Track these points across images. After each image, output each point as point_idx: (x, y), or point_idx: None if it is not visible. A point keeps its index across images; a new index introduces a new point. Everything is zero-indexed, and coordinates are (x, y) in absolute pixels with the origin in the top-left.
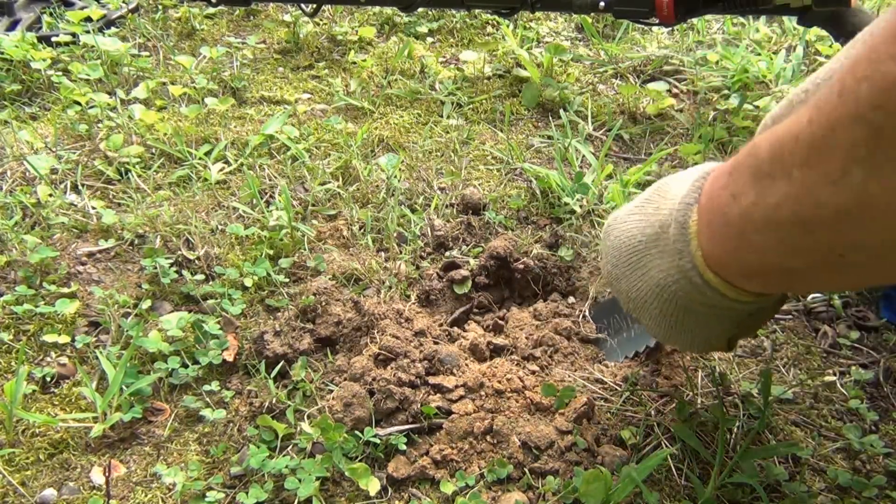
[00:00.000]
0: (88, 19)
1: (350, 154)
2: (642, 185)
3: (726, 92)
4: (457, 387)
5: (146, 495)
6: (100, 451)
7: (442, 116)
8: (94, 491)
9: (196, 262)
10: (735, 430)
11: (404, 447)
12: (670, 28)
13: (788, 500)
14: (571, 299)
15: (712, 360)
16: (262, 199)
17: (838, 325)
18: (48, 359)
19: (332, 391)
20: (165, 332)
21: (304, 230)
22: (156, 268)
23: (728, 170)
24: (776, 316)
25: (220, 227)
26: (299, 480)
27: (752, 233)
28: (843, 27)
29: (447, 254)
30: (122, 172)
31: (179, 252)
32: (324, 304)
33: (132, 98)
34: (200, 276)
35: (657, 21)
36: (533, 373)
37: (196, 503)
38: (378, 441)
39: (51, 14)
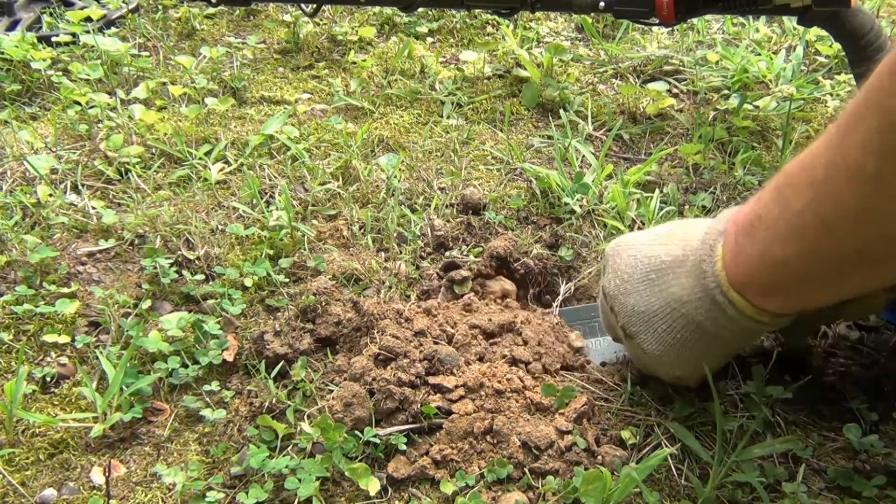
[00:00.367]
0: (88, 19)
1: (350, 154)
2: (642, 185)
3: (726, 92)
4: (457, 387)
5: (146, 495)
6: (100, 451)
7: (442, 116)
8: (94, 491)
9: (196, 262)
10: (735, 429)
11: (404, 447)
12: (670, 28)
13: (788, 499)
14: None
15: None
16: (262, 199)
17: (838, 325)
18: (48, 359)
19: (332, 391)
20: (165, 332)
21: (304, 230)
22: (156, 268)
23: (752, 200)
24: None
25: (220, 227)
26: (299, 480)
27: (776, 244)
28: (843, 27)
29: (447, 254)
30: (122, 172)
31: (179, 252)
32: (324, 304)
33: (132, 98)
34: (200, 276)
35: (657, 21)
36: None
37: (196, 503)
38: (378, 441)
39: (51, 14)
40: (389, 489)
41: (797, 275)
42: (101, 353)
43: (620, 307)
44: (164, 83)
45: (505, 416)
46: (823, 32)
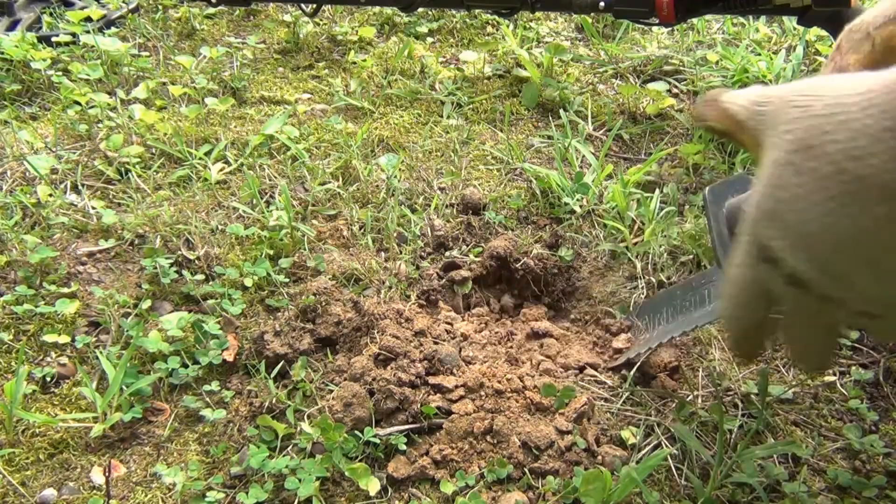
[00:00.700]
0: (88, 19)
1: (350, 154)
2: (642, 185)
3: None
4: (457, 387)
5: (146, 495)
6: (100, 451)
7: (442, 116)
8: (94, 491)
9: (196, 262)
10: (735, 430)
11: (404, 447)
12: (670, 28)
13: (788, 500)
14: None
15: (712, 360)
16: (262, 199)
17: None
18: (48, 359)
19: (332, 391)
20: (165, 332)
21: (304, 230)
22: (156, 268)
23: None
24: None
25: (220, 227)
26: (299, 480)
27: None
28: (842, 27)
29: (447, 254)
30: (122, 172)
31: (179, 252)
32: (324, 304)
33: (132, 98)
34: (200, 276)
35: (657, 21)
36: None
37: (196, 503)
38: (378, 441)
39: (51, 14)
40: (389, 489)
41: None
42: (101, 353)
43: (825, 230)
44: (164, 83)
45: (505, 416)
46: (823, 32)
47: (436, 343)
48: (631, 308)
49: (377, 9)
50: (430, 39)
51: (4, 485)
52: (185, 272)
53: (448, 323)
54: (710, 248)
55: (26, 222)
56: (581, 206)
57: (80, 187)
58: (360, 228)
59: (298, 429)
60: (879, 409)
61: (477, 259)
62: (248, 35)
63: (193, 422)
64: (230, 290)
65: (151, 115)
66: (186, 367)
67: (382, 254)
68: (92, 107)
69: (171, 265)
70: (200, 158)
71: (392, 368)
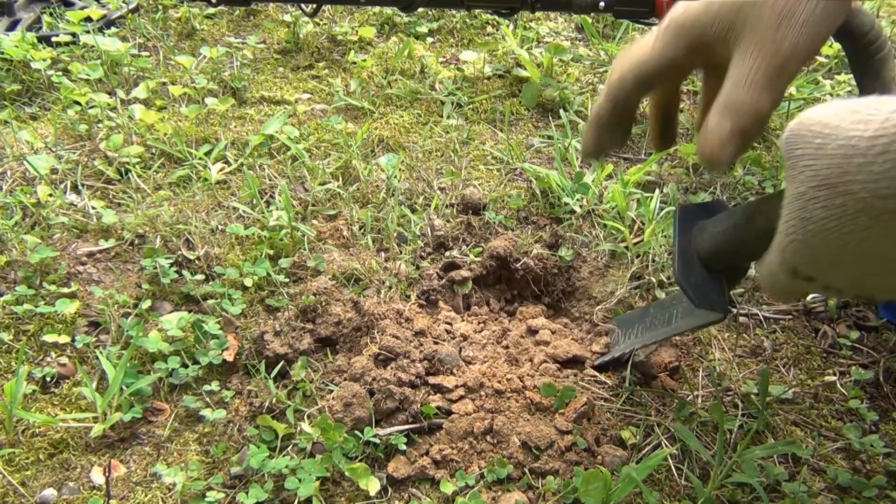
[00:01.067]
0: (88, 19)
1: (350, 154)
2: (642, 185)
3: None
4: (457, 387)
5: (146, 495)
6: (100, 451)
7: (442, 116)
8: (94, 491)
9: (196, 262)
10: (735, 429)
11: (404, 447)
12: None
13: (788, 500)
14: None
15: (712, 360)
16: (262, 199)
17: (838, 325)
18: (48, 359)
19: (332, 391)
20: (165, 332)
21: (304, 230)
22: (156, 268)
23: None
24: (775, 316)
25: (220, 227)
26: (299, 480)
27: None
28: (842, 27)
29: (447, 254)
30: (122, 172)
31: (179, 252)
32: (324, 304)
33: (132, 98)
34: (200, 276)
35: (657, 21)
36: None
37: (196, 503)
38: (378, 441)
39: (51, 14)
40: (389, 489)
41: None
42: (101, 353)
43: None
44: (164, 83)
45: (505, 416)
46: None
47: (436, 343)
48: (613, 317)
49: (377, 9)
50: (430, 39)
51: (4, 485)
52: (185, 272)
53: (448, 323)
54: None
55: (26, 222)
56: (581, 206)
57: (80, 187)
58: (360, 228)
59: (298, 429)
60: (879, 409)
61: (477, 259)
62: (248, 35)
63: (193, 422)
64: (230, 290)
65: (151, 115)
66: (186, 367)
67: (382, 254)
68: (92, 107)
69: (171, 265)
70: (200, 158)
71: (392, 368)
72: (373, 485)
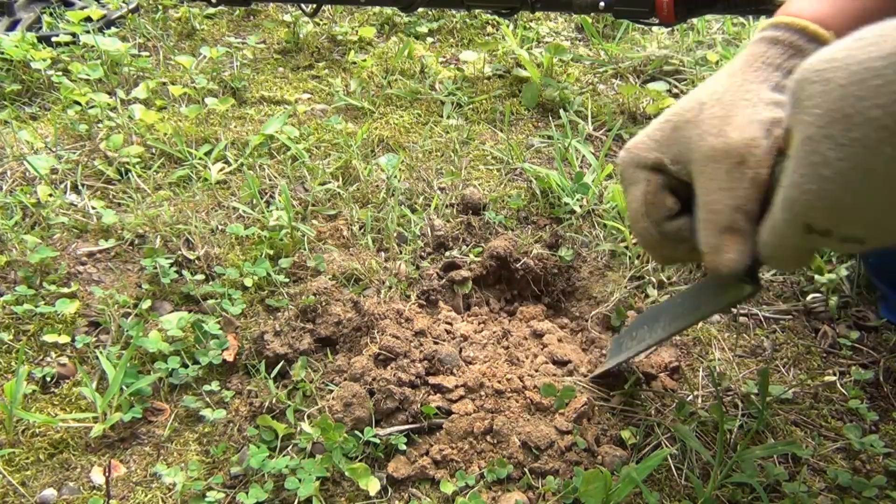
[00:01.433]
0: (88, 19)
1: (350, 154)
2: None
3: None
4: (457, 387)
5: (146, 495)
6: (100, 451)
7: (442, 116)
8: (94, 491)
9: (196, 262)
10: (735, 430)
11: (404, 447)
12: (670, 28)
13: (788, 500)
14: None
15: (712, 360)
16: (262, 199)
17: (838, 325)
18: (48, 359)
19: (332, 391)
20: (165, 332)
21: (304, 230)
22: (156, 268)
23: None
24: (775, 316)
25: (220, 227)
26: (299, 480)
27: None
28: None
29: (447, 254)
30: (122, 172)
31: (179, 252)
32: (324, 304)
33: (132, 98)
34: (200, 276)
35: (657, 21)
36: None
37: (196, 503)
38: (378, 441)
39: (51, 14)
40: (389, 489)
41: None
42: (101, 353)
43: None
44: (164, 83)
45: (505, 416)
46: None
47: (436, 343)
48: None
49: (377, 9)
50: (430, 39)
51: (4, 485)
52: (185, 272)
53: (448, 323)
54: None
55: (26, 222)
56: (581, 206)
57: (80, 187)
58: (360, 228)
59: (298, 429)
60: (879, 409)
61: (477, 259)
62: (248, 35)
63: (193, 422)
64: (230, 290)
65: (151, 115)
66: (186, 367)
67: (382, 254)
68: (92, 107)
69: (171, 265)
70: (200, 158)
71: (392, 368)
72: (373, 485)
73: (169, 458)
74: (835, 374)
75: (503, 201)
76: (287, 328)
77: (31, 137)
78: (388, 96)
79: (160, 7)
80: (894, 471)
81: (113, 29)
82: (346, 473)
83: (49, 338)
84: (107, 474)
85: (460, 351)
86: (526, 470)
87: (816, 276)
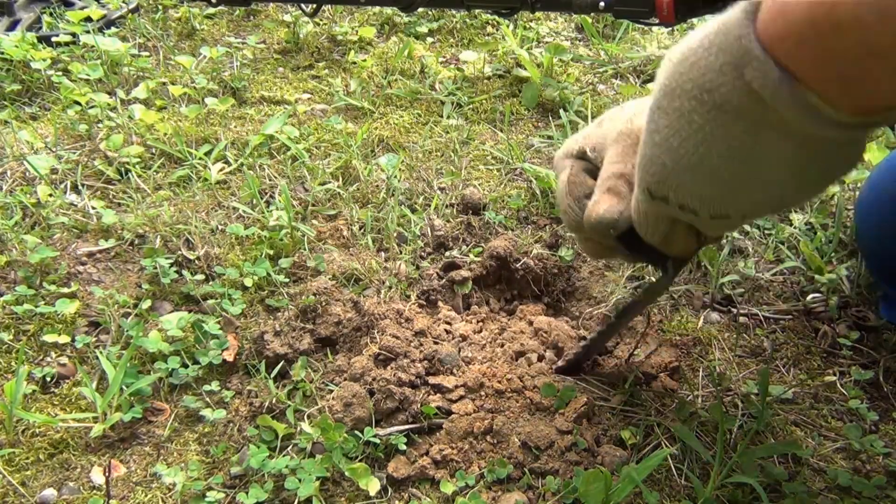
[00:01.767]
0: (88, 19)
1: (350, 154)
2: None
3: None
4: (457, 387)
5: (146, 495)
6: (100, 451)
7: (442, 116)
8: (94, 491)
9: (196, 262)
10: (735, 430)
11: (404, 447)
12: (670, 28)
13: (788, 500)
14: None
15: (712, 360)
16: (262, 199)
17: (838, 325)
18: (48, 359)
19: (332, 391)
20: (165, 332)
21: (304, 230)
22: (156, 268)
23: None
24: (775, 316)
25: (220, 227)
26: (299, 480)
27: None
28: None
29: (447, 254)
30: (122, 172)
31: (179, 252)
32: (324, 304)
33: (132, 98)
34: (200, 276)
35: (657, 21)
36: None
37: (196, 503)
38: (378, 441)
39: (51, 14)
40: (389, 489)
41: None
42: (101, 353)
43: (662, 150)
44: (164, 83)
45: (505, 416)
46: None
47: (436, 343)
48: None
49: (377, 9)
50: (430, 39)
51: (4, 485)
52: (185, 272)
53: (448, 323)
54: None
55: (26, 222)
56: None
57: (80, 187)
58: (360, 228)
59: (298, 429)
60: (879, 409)
61: (477, 259)
62: (248, 35)
63: (193, 422)
64: (230, 290)
65: (151, 115)
66: (186, 367)
67: (382, 254)
68: (92, 107)
69: (171, 265)
70: (200, 158)
71: (392, 368)
72: (373, 485)
73: (169, 458)
74: (835, 374)
75: (503, 201)
76: (287, 328)
77: (31, 137)
78: (388, 96)
79: (160, 7)
80: (894, 471)
81: (113, 29)
82: (346, 473)
83: (49, 338)
84: (107, 474)
85: (459, 351)
86: (526, 470)
87: (816, 276)
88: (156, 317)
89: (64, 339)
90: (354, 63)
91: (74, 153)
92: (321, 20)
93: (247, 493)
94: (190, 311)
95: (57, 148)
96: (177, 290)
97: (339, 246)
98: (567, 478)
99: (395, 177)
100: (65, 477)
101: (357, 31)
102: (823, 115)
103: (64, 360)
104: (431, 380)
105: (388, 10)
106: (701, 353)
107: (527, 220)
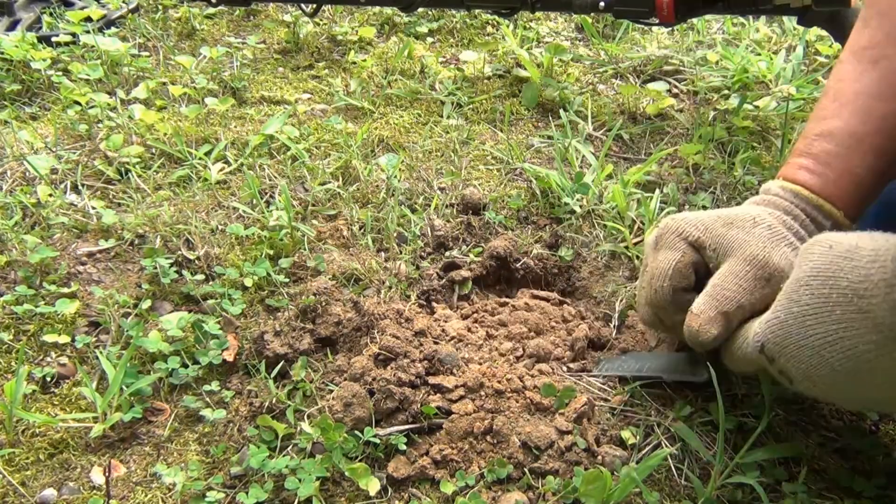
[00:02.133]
0: (88, 19)
1: (350, 154)
2: (642, 185)
3: (726, 92)
4: (457, 387)
5: (146, 495)
6: (100, 451)
7: (442, 116)
8: (94, 491)
9: (196, 262)
10: (735, 430)
11: (404, 447)
12: (670, 28)
13: (788, 500)
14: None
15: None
16: (262, 199)
17: None
18: (48, 359)
19: (332, 391)
20: (165, 332)
21: (304, 230)
22: (156, 268)
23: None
24: None
25: (220, 227)
26: (299, 480)
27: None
28: (842, 27)
29: (447, 254)
30: (122, 172)
31: (179, 252)
32: (324, 304)
33: (132, 98)
34: (200, 276)
35: (657, 21)
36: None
37: (196, 503)
38: (378, 441)
39: (51, 14)
40: (389, 489)
41: None
42: (101, 353)
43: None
44: (164, 83)
45: (505, 416)
46: (823, 32)
47: (436, 343)
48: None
49: (377, 9)
50: (430, 39)
51: (4, 485)
52: (185, 272)
53: (446, 321)
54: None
55: (26, 222)
56: (581, 206)
57: (80, 187)
58: (360, 228)
59: (298, 429)
60: None
61: (477, 259)
62: (248, 35)
63: (193, 422)
64: (230, 290)
65: (151, 115)
66: (186, 367)
67: (382, 254)
68: (92, 107)
69: (171, 265)
70: (200, 158)
71: (392, 368)
72: (373, 485)
73: (169, 458)
74: None
75: (503, 201)
76: (287, 328)
77: (31, 137)
78: (388, 96)
79: (160, 7)
80: (894, 471)
81: (113, 29)
82: (346, 473)
83: (49, 338)
84: (107, 474)
85: (458, 350)
86: (526, 470)
87: None
88: (156, 317)
89: (64, 339)
90: (354, 63)
91: (74, 153)
92: (321, 20)
93: (247, 493)
94: (190, 311)
95: (57, 148)
96: (177, 290)
97: (339, 246)
98: (567, 478)
99: (395, 177)
100: (65, 477)
101: (357, 31)
102: None
103: (64, 360)
104: (431, 380)
105: (388, 10)
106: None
107: (527, 220)
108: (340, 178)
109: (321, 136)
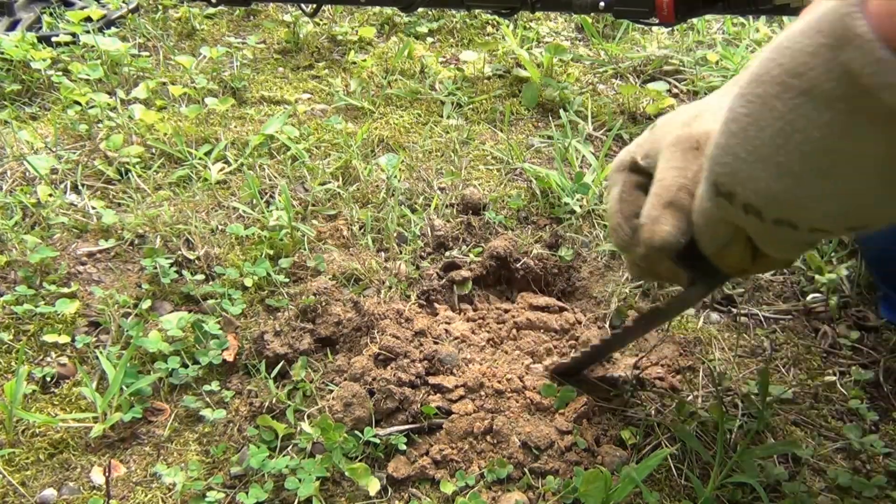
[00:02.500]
0: (88, 19)
1: (350, 154)
2: None
3: None
4: (457, 387)
5: (146, 495)
6: (100, 451)
7: (442, 116)
8: (94, 491)
9: (196, 262)
10: (735, 430)
11: (404, 447)
12: (670, 28)
13: (788, 500)
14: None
15: (712, 360)
16: (262, 199)
17: (838, 325)
18: (48, 359)
19: (332, 391)
20: (165, 332)
21: (304, 230)
22: (156, 268)
23: None
24: (775, 316)
25: (220, 227)
26: (299, 480)
27: None
28: None
29: (447, 254)
30: (122, 172)
31: (179, 252)
32: (324, 304)
33: (132, 98)
34: (200, 276)
35: (657, 21)
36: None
37: (196, 503)
38: (378, 441)
39: (51, 14)
40: (389, 489)
41: None
42: (101, 353)
43: (738, 138)
44: (164, 83)
45: (505, 416)
46: None
47: (436, 343)
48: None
49: (377, 9)
50: (430, 39)
51: (4, 485)
52: (185, 272)
53: (447, 322)
54: None
55: (26, 222)
56: (581, 206)
57: (80, 187)
58: (360, 228)
59: (298, 429)
60: (879, 409)
61: (477, 259)
62: (248, 35)
63: (193, 422)
64: (230, 290)
65: (151, 115)
66: (186, 367)
67: (382, 254)
68: (92, 107)
69: (171, 265)
70: (200, 158)
71: (392, 368)
72: (373, 485)
73: (169, 458)
74: (835, 374)
75: (503, 201)
76: (287, 328)
77: (31, 137)
78: (388, 96)
79: (160, 7)
80: (894, 471)
81: (113, 29)
82: (346, 473)
83: (49, 338)
84: (107, 474)
85: (459, 351)
86: (526, 470)
87: (817, 276)
88: (156, 317)
89: (64, 339)
90: (354, 63)
91: (74, 153)
92: (321, 20)
93: (247, 493)
94: (190, 311)
95: (57, 148)
96: (177, 290)
97: (339, 246)
98: (567, 478)
99: (395, 177)
100: (65, 477)
101: (357, 31)
102: None
103: (64, 360)
104: (431, 380)
105: (388, 10)
106: (701, 353)
107: (527, 220)
108: (340, 178)
109: (321, 136)
